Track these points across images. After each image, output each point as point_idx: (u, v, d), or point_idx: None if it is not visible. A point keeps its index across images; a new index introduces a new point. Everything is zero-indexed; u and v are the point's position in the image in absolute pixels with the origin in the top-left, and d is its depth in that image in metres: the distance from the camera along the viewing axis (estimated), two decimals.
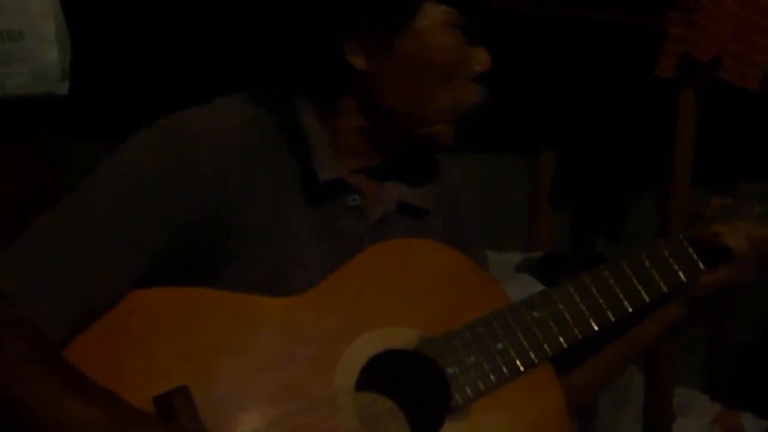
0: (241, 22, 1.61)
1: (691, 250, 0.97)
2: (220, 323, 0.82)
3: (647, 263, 0.95)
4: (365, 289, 0.86)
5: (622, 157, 2.12)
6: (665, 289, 0.96)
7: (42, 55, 1.25)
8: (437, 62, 0.86)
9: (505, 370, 0.87)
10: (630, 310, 0.94)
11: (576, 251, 2.13)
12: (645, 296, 0.95)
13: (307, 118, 0.88)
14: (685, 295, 0.98)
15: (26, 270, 0.79)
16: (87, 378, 0.77)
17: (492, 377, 0.87)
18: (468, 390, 0.85)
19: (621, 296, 0.94)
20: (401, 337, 0.86)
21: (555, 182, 2.09)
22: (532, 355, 0.89)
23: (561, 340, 0.91)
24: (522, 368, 0.88)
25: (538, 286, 1.77)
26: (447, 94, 0.88)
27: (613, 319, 0.93)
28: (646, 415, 1.81)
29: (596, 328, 0.92)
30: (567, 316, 0.91)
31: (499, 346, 0.88)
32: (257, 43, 0.92)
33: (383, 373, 0.85)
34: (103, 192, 0.82)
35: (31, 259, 0.80)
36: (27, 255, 0.80)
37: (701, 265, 0.97)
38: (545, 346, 0.90)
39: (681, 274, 0.96)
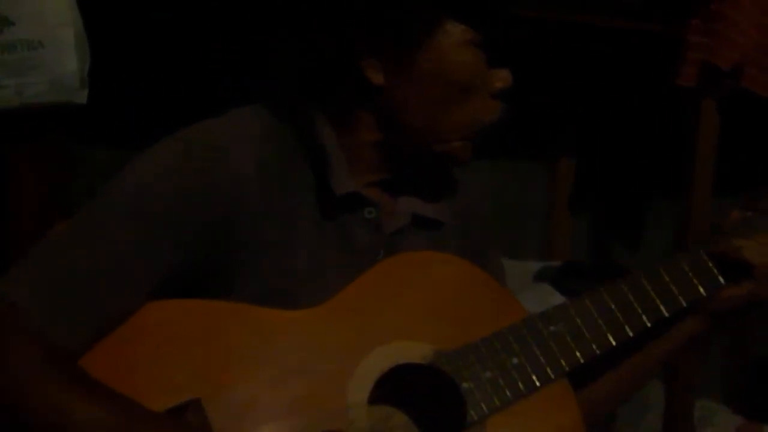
0: (258, 32, 1.62)
1: (711, 264, 0.96)
2: (234, 335, 0.82)
3: (666, 277, 0.94)
4: (380, 302, 0.86)
5: (641, 166, 2.11)
6: (684, 304, 0.95)
7: (61, 64, 1.26)
8: (456, 80, 0.86)
9: (521, 385, 0.86)
10: (648, 325, 0.93)
11: (594, 260, 2.12)
12: (664, 311, 0.94)
13: (323, 131, 0.88)
14: (704, 310, 0.96)
15: (41, 281, 0.79)
16: (98, 381, 0.77)
17: (508, 393, 0.86)
18: (483, 406, 0.85)
19: (639, 311, 0.93)
20: (416, 351, 0.85)
21: (574, 190, 2.07)
22: (549, 371, 0.88)
23: (578, 355, 0.89)
24: (538, 384, 0.87)
25: (557, 296, 1.76)
26: (466, 111, 0.87)
27: (631, 334, 0.92)
28: (666, 427, 1.79)
29: (614, 343, 0.91)
30: (584, 331, 0.90)
31: (515, 361, 0.87)
32: (274, 55, 0.92)
33: (398, 387, 0.85)
34: (120, 204, 0.82)
35: (46, 270, 0.80)
36: (42, 266, 0.80)
37: (722, 280, 0.96)
38: (562, 361, 0.89)
39: (701, 289, 0.95)
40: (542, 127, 1.92)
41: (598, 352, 0.90)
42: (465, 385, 0.85)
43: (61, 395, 0.74)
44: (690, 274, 0.95)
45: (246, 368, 0.80)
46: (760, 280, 0.95)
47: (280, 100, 0.90)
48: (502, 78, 0.88)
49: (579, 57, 1.91)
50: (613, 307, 0.92)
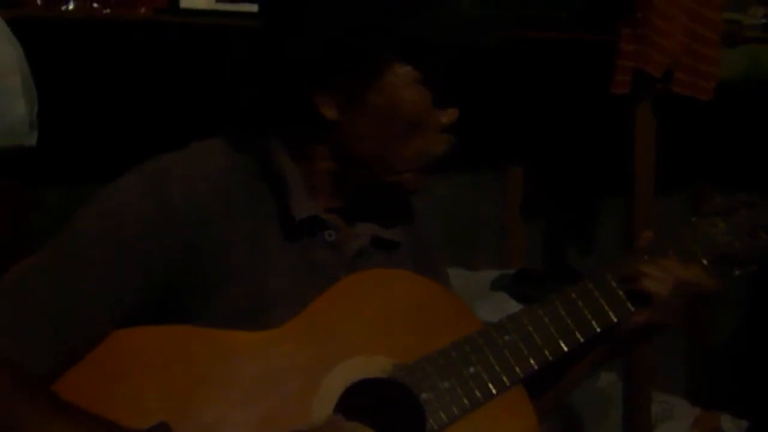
0: (212, 72, 1.64)
1: (620, 292, 0.96)
2: (199, 358, 0.84)
3: (580, 302, 0.95)
4: (340, 320, 0.89)
5: (588, 170, 2.17)
6: (598, 329, 0.95)
7: (9, 110, 1.27)
8: (405, 116, 0.89)
9: (478, 393, 0.89)
10: (598, 330, 0.96)
11: (549, 265, 2.17)
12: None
13: (282, 161, 0.91)
14: (612, 335, 0.97)
15: (6, 313, 0.81)
16: (70, 404, 0.79)
17: (465, 401, 0.89)
18: (442, 415, 0.87)
19: (589, 317, 0.96)
20: (376, 366, 0.88)
21: (525, 198, 2.12)
22: (504, 379, 0.91)
23: (531, 362, 0.93)
24: (494, 391, 0.90)
25: (513, 304, 1.80)
26: (415, 144, 0.91)
27: (582, 340, 0.95)
28: (626, 422, 1.84)
29: (566, 349, 0.94)
30: (537, 339, 0.93)
31: (472, 370, 0.90)
32: (230, 91, 0.95)
33: (361, 402, 0.87)
34: (85, 236, 0.85)
35: (12, 302, 0.82)
36: (10, 297, 0.83)
37: (630, 306, 0.96)
38: (516, 369, 0.92)
39: (611, 314, 0.96)
40: (490, 140, 1.96)
41: (551, 358, 0.93)
42: (424, 395, 0.88)
43: (35, 417, 0.76)
44: (600, 299, 0.96)
45: (213, 390, 0.83)
46: (656, 309, 0.96)
47: (238, 133, 0.94)
48: (448, 114, 0.92)
49: (520, 71, 1.97)
50: (563, 314, 0.95)
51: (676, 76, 1.75)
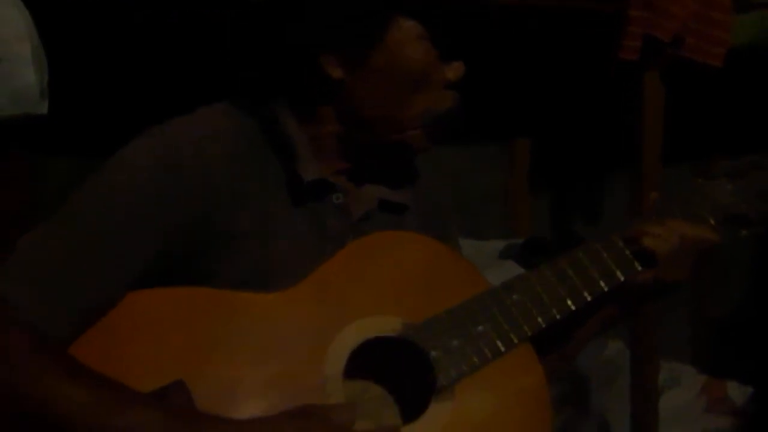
0: (218, 36, 1.64)
1: (627, 252, 0.96)
2: (212, 319, 0.85)
3: (586, 261, 0.96)
4: (350, 281, 0.90)
5: (595, 140, 2.16)
6: (606, 288, 0.96)
7: (19, 77, 1.28)
8: (409, 73, 0.90)
9: (486, 351, 0.90)
10: (605, 289, 0.96)
11: (556, 235, 2.17)
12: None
13: (288, 124, 0.92)
14: (621, 294, 0.98)
15: (26, 275, 0.83)
16: (86, 366, 0.80)
17: (475, 359, 0.90)
18: (452, 371, 0.88)
19: (596, 276, 0.96)
20: (386, 325, 0.89)
21: (531, 168, 2.13)
22: (512, 336, 0.92)
23: (539, 320, 0.93)
24: (503, 349, 0.91)
25: (521, 272, 1.81)
26: (419, 101, 0.91)
27: (589, 298, 0.96)
28: (633, 390, 1.85)
29: (573, 307, 0.95)
30: (544, 297, 0.94)
31: (480, 328, 0.91)
32: (237, 54, 0.95)
33: (372, 361, 0.89)
34: (97, 201, 0.86)
35: (32, 265, 0.83)
36: (27, 262, 0.84)
37: (637, 265, 0.97)
38: (524, 327, 0.93)
39: (618, 273, 0.96)
40: (495, 110, 1.96)
41: (558, 316, 0.94)
42: (433, 353, 0.89)
43: (51, 380, 0.77)
44: (607, 259, 0.96)
45: (226, 350, 0.84)
46: (661, 267, 0.96)
47: (245, 97, 0.94)
48: (454, 69, 0.92)
49: (525, 39, 1.96)
50: (571, 273, 0.96)
51: (686, 42, 1.74)
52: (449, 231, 1.05)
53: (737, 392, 2.10)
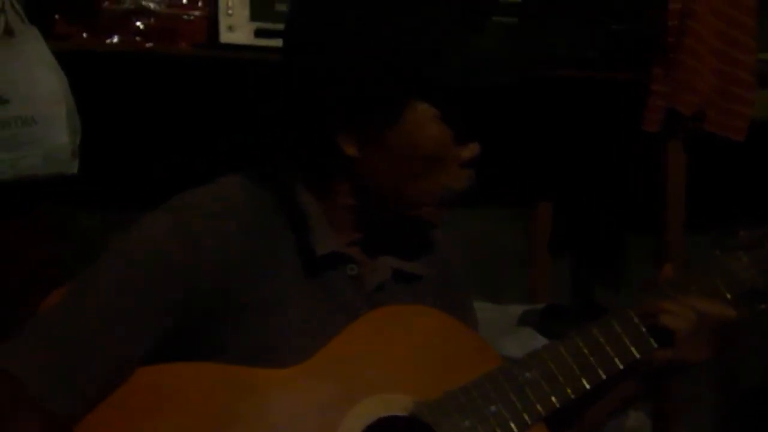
0: (241, 106, 1.68)
1: (643, 329, 0.96)
2: (221, 396, 0.85)
3: (601, 338, 0.95)
4: (362, 356, 0.90)
5: (617, 206, 2.16)
6: (621, 366, 0.95)
7: (53, 138, 1.32)
8: (425, 153, 0.91)
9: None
10: (621, 367, 0.96)
11: (576, 302, 2.16)
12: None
13: (303, 197, 0.93)
14: (638, 372, 0.97)
15: (36, 351, 0.83)
16: None
17: None
18: None
19: (611, 354, 0.96)
20: (397, 403, 0.89)
21: (552, 233, 2.12)
22: (525, 417, 0.91)
23: (553, 399, 0.93)
24: (516, 430, 0.90)
25: (540, 339, 1.79)
26: (435, 180, 0.92)
27: (604, 377, 0.95)
28: None
29: (588, 386, 0.94)
30: (558, 376, 0.94)
31: (493, 408, 0.90)
32: (256, 129, 0.98)
33: None
34: (113, 274, 0.87)
35: (44, 342, 0.84)
36: (39, 338, 0.84)
37: (653, 343, 0.96)
38: (538, 406, 0.92)
39: (634, 351, 0.96)
40: (518, 174, 1.98)
41: (572, 396, 0.94)
42: None
43: None
44: (623, 336, 0.95)
45: (234, 428, 0.84)
46: (679, 345, 0.95)
47: (261, 169, 0.96)
48: (469, 150, 0.93)
49: (549, 107, 1.98)
50: (585, 351, 0.95)
51: (708, 115, 1.75)
52: (465, 302, 1.05)
53: None
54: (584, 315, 1.87)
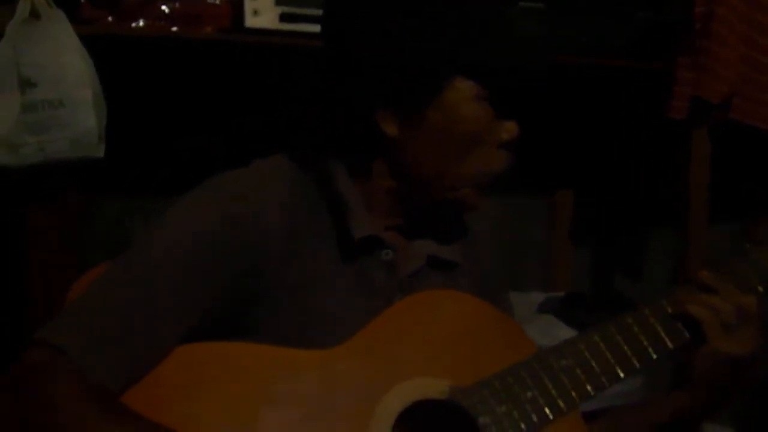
0: (276, 87, 1.68)
1: (675, 319, 0.96)
2: (259, 376, 0.85)
3: (636, 329, 0.96)
4: (397, 341, 0.90)
5: (639, 195, 2.15)
6: (670, 346, 0.96)
7: (80, 122, 1.32)
8: (465, 132, 0.90)
9: (534, 418, 0.90)
10: (654, 357, 0.96)
11: (597, 289, 2.16)
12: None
13: (341, 179, 0.93)
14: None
15: (82, 326, 0.84)
16: (139, 415, 0.81)
17: (522, 425, 0.89)
18: None
19: (645, 343, 0.96)
20: (434, 388, 0.89)
21: (574, 221, 2.12)
22: (561, 403, 0.91)
23: (588, 388, 0.93)
24: (551, 416, 0.91)
25: (561, 326, 1.79)
26: (473, 161, 0.92)
27: (638, 366, 0.95)
28: None
29: (622, 375, 0.95)
30: (593, 364, 0.94)
31: (529, 394, 0.90)
32: (294, 108, 0.97)
33: (418, 424, 0.88)
34: (156, 254, 0.87)
35: (87, 316, 0.84)
36: (84, 312, 0.85)
37: (685, 333, 0.96)
38: (573, 393, 0.92)
39: (667, 341, 0.96)
40: (541, 162, 1.97)
41: (607, 384, 0.94)
42: (481, 419, 0.88)
43: (99, 426, 0.78)
44: (656, 326, 0.96)
45: (271, 407, 0.84)
46: (709, 335, 0.95)
47: (299, 151, 0.96)
48: (508, 130, 0.92)
49: (574, 94, 1.97)
50: (619, 339, 0.95)
51: (734, 103, 1.73)
52: (499, 286, 1.05)
53: None
54: (605, 303, 1.87)
